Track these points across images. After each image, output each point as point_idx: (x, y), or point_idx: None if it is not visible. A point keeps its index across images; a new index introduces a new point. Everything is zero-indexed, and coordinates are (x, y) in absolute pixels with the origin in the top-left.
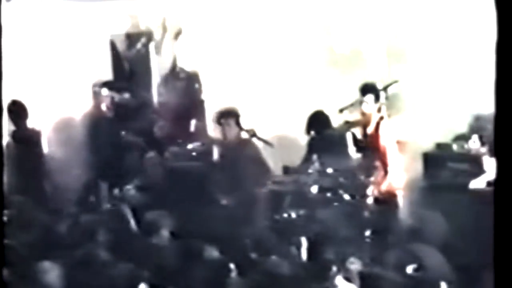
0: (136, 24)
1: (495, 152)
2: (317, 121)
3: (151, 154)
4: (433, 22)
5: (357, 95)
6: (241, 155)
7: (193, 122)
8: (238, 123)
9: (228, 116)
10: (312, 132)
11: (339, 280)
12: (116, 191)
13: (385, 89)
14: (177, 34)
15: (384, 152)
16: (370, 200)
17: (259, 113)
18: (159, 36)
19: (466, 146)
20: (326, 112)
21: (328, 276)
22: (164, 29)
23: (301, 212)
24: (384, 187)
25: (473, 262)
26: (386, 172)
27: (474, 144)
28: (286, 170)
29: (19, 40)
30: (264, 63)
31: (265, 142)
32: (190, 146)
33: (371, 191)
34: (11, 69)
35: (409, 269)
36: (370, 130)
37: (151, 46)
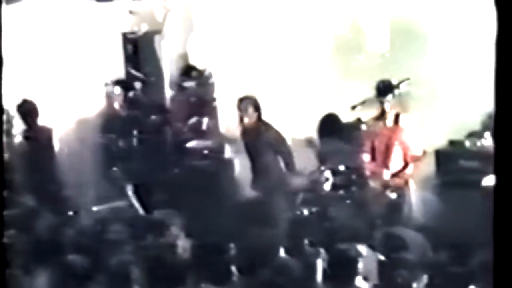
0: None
1: (494, 152)
2: (329, 124)
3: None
4: (446, 18)
5: (363, 84)
6: (258, 144)
7: (205, 120)
8: (257, 109)
9: (246, 101)
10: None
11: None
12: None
13: (397, 86)
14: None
15: (403, 147)
16: (382, 198)
17: (271, 106)
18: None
19: (478, 143)
20: (337, 114)
21: (346, 275)
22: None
23: (314, 209)
24: (400, 181)
25: (487, 260)
26: (404, 167)
27: (486, 141)
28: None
29: (31, 39)
30: (272, 57)
31: None
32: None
33: (384, 186)
34: (22, 69)
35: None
36: (389, 125)
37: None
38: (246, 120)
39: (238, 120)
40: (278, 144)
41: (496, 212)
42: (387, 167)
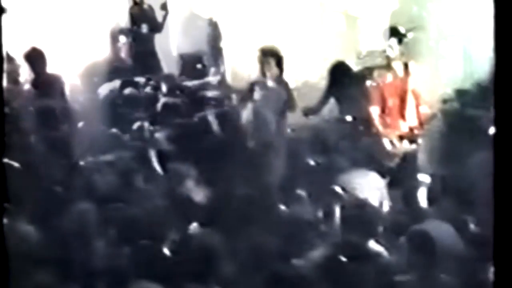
0: None
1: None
2: (339, 71)
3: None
4: None
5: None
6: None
7: (212, 70)
8: (279, 64)
9: (269, 55)
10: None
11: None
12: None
13: (405, 34)
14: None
15: (414, 95)
16: (389, 148)
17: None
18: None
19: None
20: (347, 62)
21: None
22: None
23: (320, 160)
24: (409, 131)
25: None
26: (417, 117)
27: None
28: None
29: None
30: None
31: None
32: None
33: (391, 138)
34: (28, 16)
35: None
36: (399, 74)
37: None
38: (268, 74)
39: (260, 72)
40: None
41: (496, 160)
42: (403, 118)
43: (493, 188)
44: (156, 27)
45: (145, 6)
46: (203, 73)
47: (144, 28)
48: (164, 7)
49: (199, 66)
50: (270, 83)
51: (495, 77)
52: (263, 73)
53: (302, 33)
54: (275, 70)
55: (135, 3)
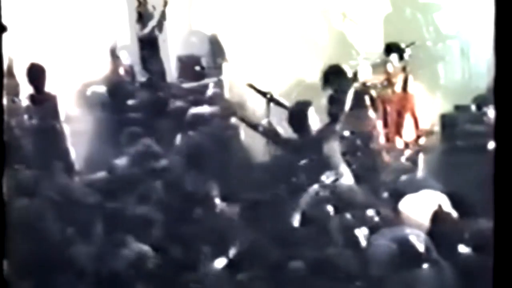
0: None
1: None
2: (334, 75)
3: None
4: None
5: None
6: None
7: (211, 86)
8: None
9: None
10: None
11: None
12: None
13: (403, 50)
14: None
15: (413, 110)
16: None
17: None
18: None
19: (484, 107)
20: (343, 66)
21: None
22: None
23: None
24: (408, 145)
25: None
26: (416, 127)
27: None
28: None
29: (37, 4)
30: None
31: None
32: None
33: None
34: (28, 33)
35: None
36: (397, 89)
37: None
38: None
39: None
40: None
41: (496, 176)
42: (400, 135)
43: (494, 203)
44: (158, 26)
45: (149, 6)
46: (201, 75)
47: (149, 27)
48: (165, 5)
49: (197, 68)
50: None
51: (495, 91)
52: None
53: (300, 50)
54: None
55: (140, 3)
